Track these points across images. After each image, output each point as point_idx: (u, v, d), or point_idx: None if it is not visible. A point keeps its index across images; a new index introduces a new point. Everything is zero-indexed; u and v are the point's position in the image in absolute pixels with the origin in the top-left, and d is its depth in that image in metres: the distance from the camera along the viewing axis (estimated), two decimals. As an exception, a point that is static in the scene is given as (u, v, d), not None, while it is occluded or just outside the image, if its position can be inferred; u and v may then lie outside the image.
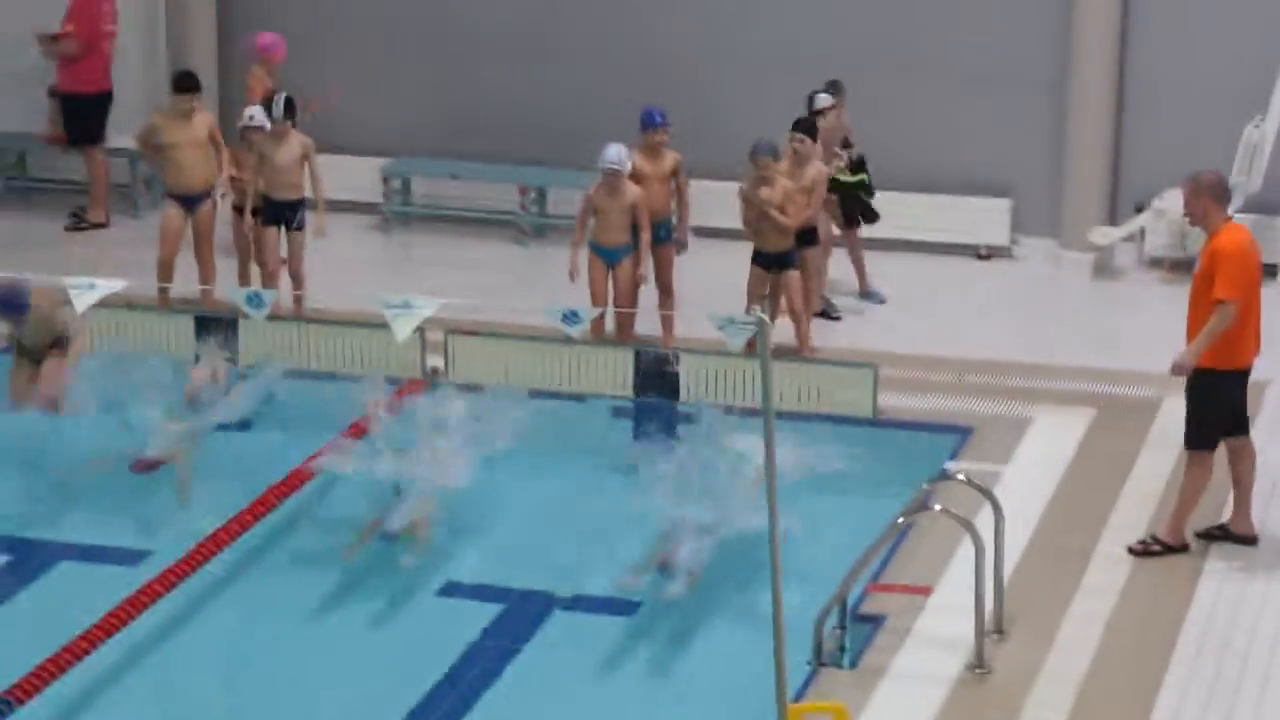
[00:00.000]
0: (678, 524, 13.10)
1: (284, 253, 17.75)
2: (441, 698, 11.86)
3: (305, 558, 13.62)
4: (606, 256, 16.94)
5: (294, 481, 14.23)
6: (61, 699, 11.70)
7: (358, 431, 14.48)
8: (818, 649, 12.19)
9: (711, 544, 12.99)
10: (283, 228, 17.66)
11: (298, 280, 17.57)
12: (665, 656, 12.49)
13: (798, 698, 11.48)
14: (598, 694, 12.14)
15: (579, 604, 13.04)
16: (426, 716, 11.67)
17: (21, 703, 11.28)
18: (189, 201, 17.94)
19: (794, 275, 16.66)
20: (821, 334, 17.25)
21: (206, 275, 17.95)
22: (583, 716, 11.92)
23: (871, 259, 18.83)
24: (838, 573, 12.37)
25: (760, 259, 16.71)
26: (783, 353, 16.17)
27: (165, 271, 17.83)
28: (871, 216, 18.55)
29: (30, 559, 13.69)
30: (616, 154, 16.73)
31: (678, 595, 12.75)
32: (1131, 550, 13.54)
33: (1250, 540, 13.60)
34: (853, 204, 18.40)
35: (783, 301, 16.68)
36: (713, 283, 18.07)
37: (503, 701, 11.91)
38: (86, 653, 11.86)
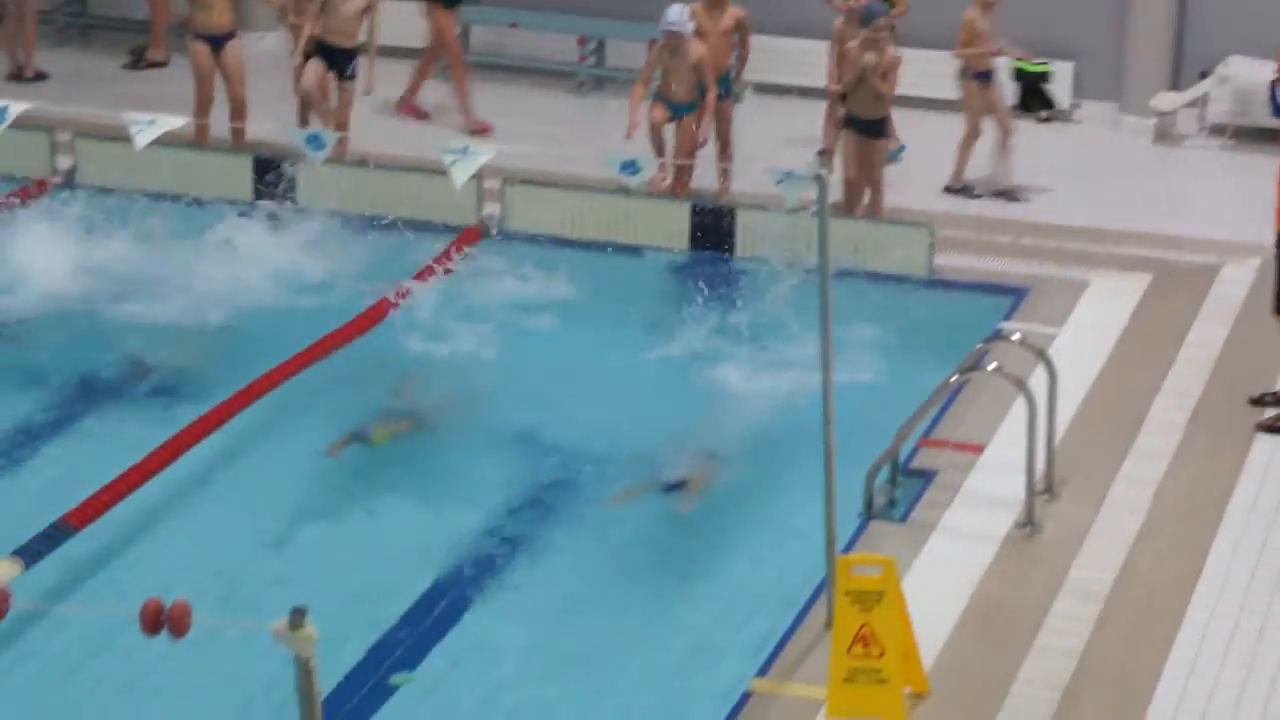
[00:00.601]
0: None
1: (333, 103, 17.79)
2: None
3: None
4: (671, 109, 16.90)
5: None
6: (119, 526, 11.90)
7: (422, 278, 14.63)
8: (868, 503, 12.26)
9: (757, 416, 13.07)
10: (334, 75, 17.68)
11: (342, 127, 17.54)
12: (715, 509, 12.57)
13: (847, 550, 11.56)
14: (652, 538, 12.24)
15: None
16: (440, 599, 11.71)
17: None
18: (214, 41, 18.01)
19: (880, 144, 16.59)
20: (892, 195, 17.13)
21: (238, 114, 18.01)
22: (637, 560, 12.02)
23: (931, 119, 18.75)
24: (890, 429, 12.42)
25: (853, 124, 16.59)
26: (841, 212, 16.16)
27: (203, 109, 17.95)
28: (1049, 104, 19.11)
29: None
30: (678, 14, 16.65)
31: (717, 466, 12.85)
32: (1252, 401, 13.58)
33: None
34: (1032, 91, 18.91)
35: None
36: (770, 138, 18.01)
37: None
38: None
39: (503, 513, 12.47)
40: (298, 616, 5.98)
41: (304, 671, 6.08)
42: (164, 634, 6.03)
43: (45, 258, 15.38)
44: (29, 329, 14.69)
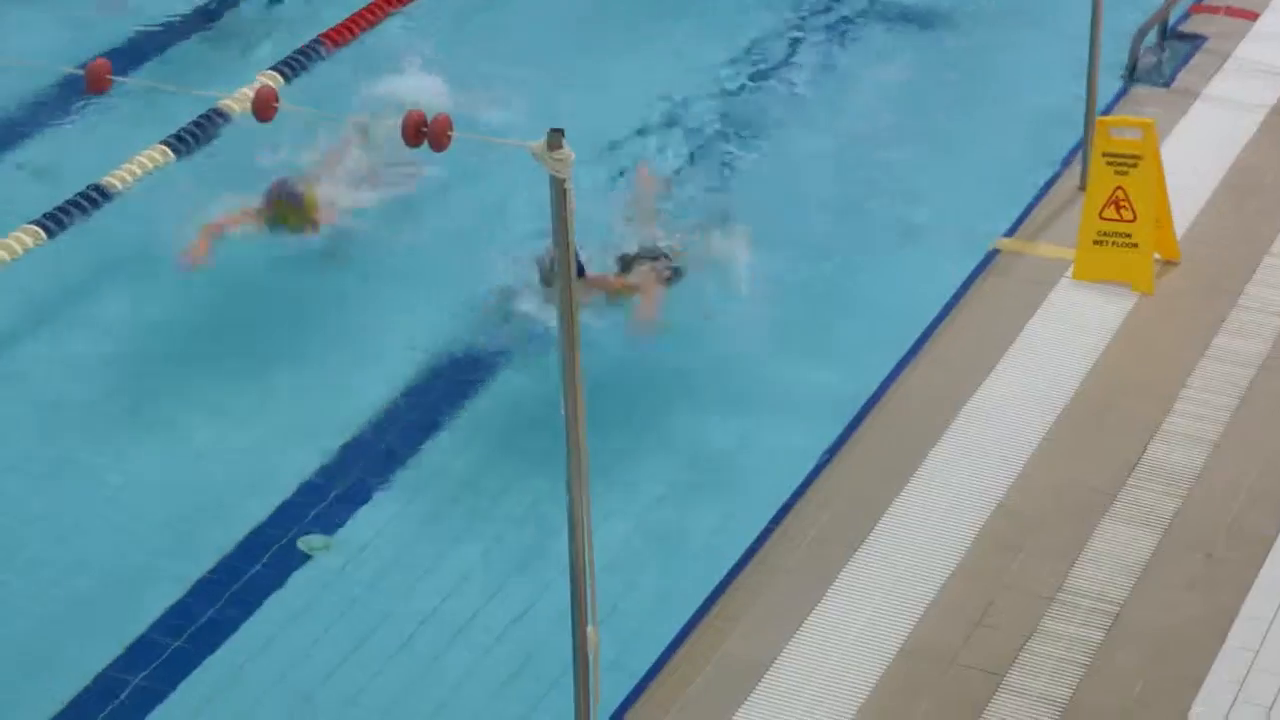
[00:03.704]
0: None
1: None
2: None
3: None
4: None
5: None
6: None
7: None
8: (1133, 65, 11.96)
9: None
10: None
11: None
12: (975, 63, 12.36)
13: (1107, 112, 11.32)
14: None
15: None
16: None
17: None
18: None
19: None
20: None
21: None
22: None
23: None
24: (1161, -9, 12.08)
25: None
26: None
27: None
28: None
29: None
30: None
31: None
32: None
33: None
34: None
35: None
36: None
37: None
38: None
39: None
40: (555, 137, 5.99)
41: (559, 192, 6.11)
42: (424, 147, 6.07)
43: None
44: None
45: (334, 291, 10.30)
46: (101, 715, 7.78)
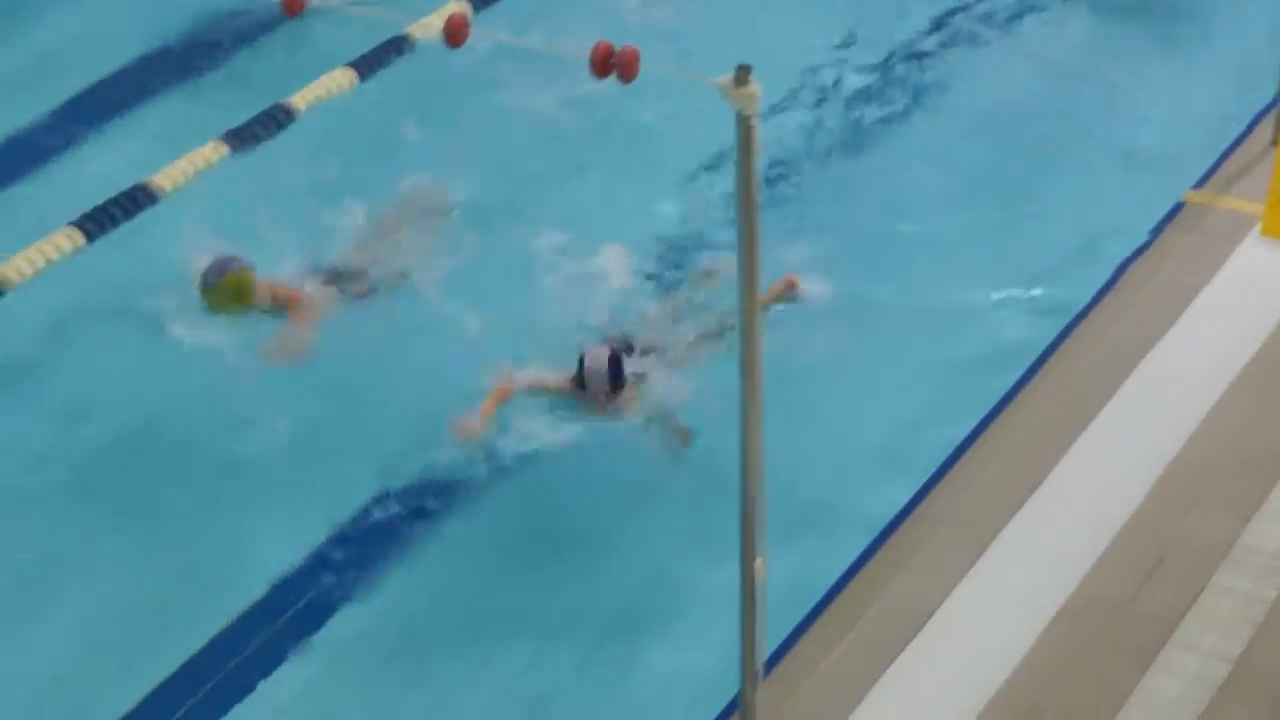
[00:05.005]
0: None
1: None
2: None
3: None
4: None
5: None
6: None
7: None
8: (1332, 20, 11.77)
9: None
10: None
11: None
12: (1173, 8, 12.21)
13: (1303, 67, 11.16)
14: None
15: None
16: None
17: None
18: None
19: None
20: None
21: None
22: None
23: None
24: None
25: None
26: None
27: None
28: None
29: None
30: None
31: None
32: None
33: None
34: None
35: None
36: None
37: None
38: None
39: None
40: (742, 73, 6.00)
41: (744, 129, 6.12)
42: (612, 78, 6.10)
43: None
44: None
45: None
46: None
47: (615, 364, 9.16)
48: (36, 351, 9.64)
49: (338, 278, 9.99)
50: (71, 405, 9.38)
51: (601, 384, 9.13)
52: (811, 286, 9.90)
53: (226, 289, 9.75)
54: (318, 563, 8.50)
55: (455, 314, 9.75)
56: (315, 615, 8.26)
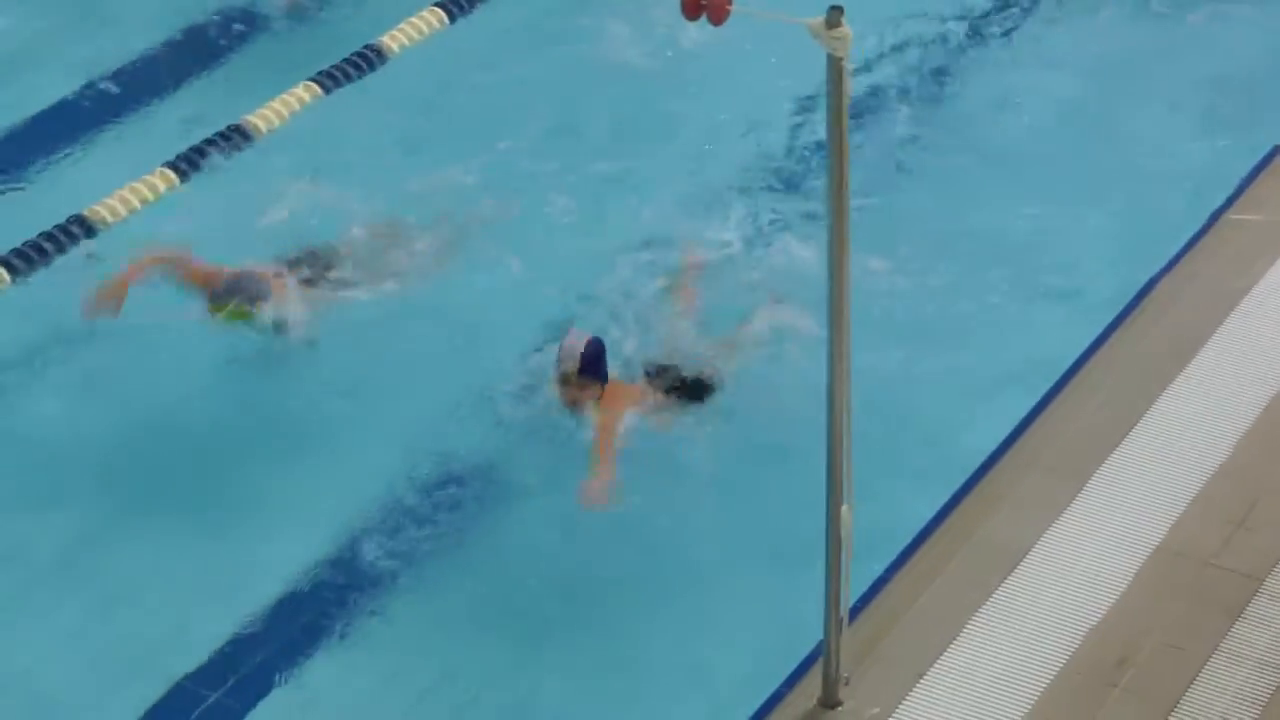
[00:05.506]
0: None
1: None
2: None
3: None
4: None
5: None
6: None
7: None
8: None
9: None
10: None
11: None
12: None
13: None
14: None
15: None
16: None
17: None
18: None
19: None
20: None
21: None
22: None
23: None
24: None
25: None
26: None
27: None
28: None
29: None
30: None
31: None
32: None
33: None
34: None
35: None
36: None
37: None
38: None
39: None
40: (834, 15, 5.97)
41: (835, 70, 6.10)
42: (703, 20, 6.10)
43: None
44: None
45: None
46: None
47: (594, 354, 8.51)
48: (49, 341, 9.41)
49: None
50: (92, 394, 9.22)
51: (571, 365, 8.48)
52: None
53: (225, 313, 9.63)
54: (340, 559, 8.34)
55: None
56: (336, 611, 8.12)
